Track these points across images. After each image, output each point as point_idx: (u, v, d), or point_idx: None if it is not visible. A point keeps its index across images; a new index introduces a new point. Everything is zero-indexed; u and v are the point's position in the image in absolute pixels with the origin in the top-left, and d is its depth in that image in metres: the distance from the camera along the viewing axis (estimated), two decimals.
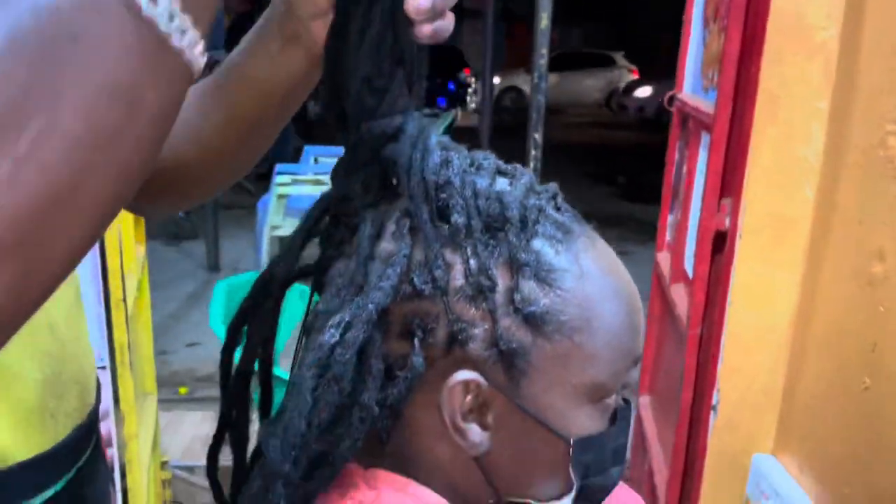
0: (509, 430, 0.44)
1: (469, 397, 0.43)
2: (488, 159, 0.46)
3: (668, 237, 1.66)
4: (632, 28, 15.56)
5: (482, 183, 0.44)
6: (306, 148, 3.37)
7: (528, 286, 0.42)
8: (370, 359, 0.41)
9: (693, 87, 1.49)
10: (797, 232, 1.04)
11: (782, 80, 1.01)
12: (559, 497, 0.46)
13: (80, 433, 0.54)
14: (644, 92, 11.37)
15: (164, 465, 1.90)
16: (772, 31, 1.00)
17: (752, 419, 1.14)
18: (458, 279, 0.42)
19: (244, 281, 1.75)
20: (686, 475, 1.25)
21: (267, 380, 0.48)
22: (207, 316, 3.31)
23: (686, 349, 1.20)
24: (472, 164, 0.45)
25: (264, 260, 2.76)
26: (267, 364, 0.48)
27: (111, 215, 0.31)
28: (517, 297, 0.42)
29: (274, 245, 2.80)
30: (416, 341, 0.42)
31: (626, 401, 0.47)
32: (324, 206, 0.46)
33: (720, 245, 1.14)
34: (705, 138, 1.30)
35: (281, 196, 2.74)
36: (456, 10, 0.46)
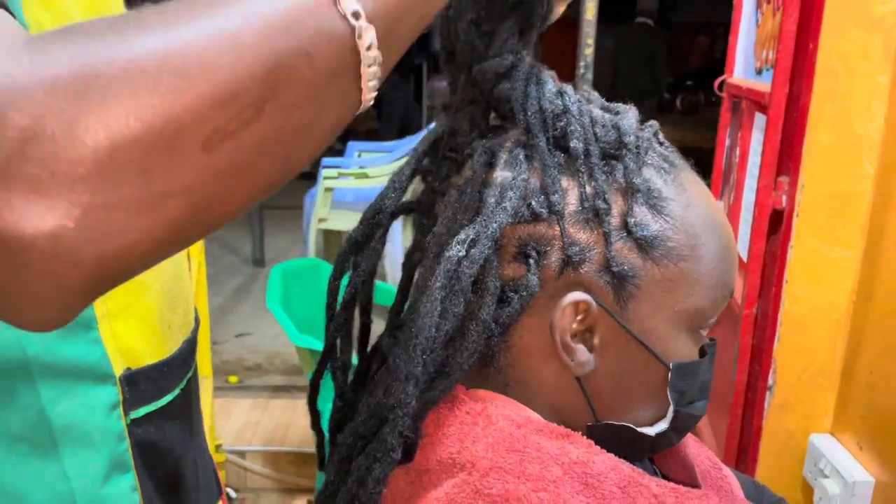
0: (614, 351, 0.45)
1: (578, 318, 0.44)
2: (594, 94, 0.48)
3: None
4: None
5: (597, 112, 0.46)
6: (349, 143, 3.43)
7: (641, 211, 0.44)
8: (487, 277, 0.43)
9: (744, 71, 1.49)
10: (857, 208, 1.03)
11: (841, 56, 1.00)
12: (653, 423, 0.47)
13: (187, 347, 0.58)
14: None
15: (217, 448, 1.95)
16: (830, 6, 0.99)
17: (810, 399, 1.13)
18: (573, 204, 0.44)
19: (298, 266, 1.80)
20: (740, 457, 1.25)
21: (367, 310, 0.51)
22: (255, 308, 3.40)
23: (740, 329, 1.20)
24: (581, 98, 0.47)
25: (311, 251, 2.81)
26: (368, 294, 0.50)
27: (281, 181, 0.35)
28: (631, 220, 0.43)
29: (320, 237, 2.85)
30: (531, 262, 0.44)
31: (712, 339, 0.49)
32: (429, 142, 0.48)
33: (775, 225, 1.14)
34: (759, 119, 1.30)
35: (327, 189, 2.79)
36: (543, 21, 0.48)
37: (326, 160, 2.93)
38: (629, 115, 0.46)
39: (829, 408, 1.12)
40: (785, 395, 1.14)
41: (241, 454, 2.18)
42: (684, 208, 0.45)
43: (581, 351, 0.45)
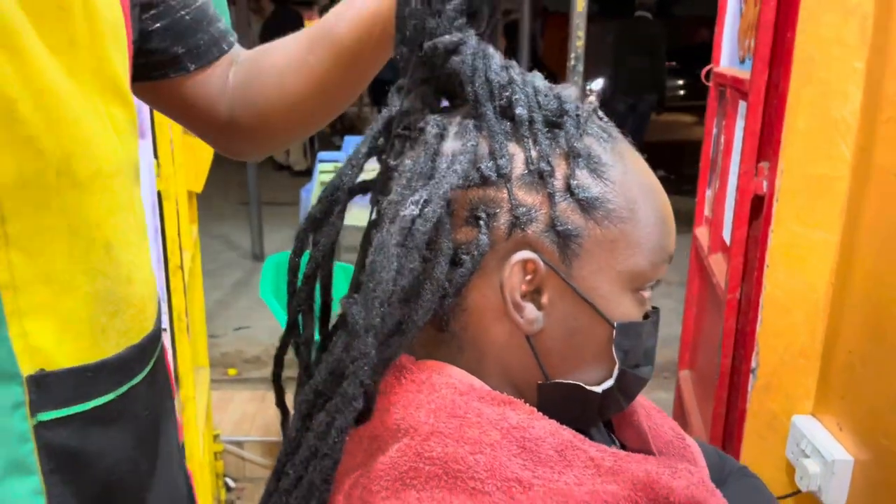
0: (561, 310, 0.48)
1: (527, 278, 0.47)
2: (537, 74, 0.50)
3: (706, 211, 1.67)
4: None
5: (540, 83, 0.48)
6: (346, 138, 3.46)
7: (583, 175, 0.46)
8: (441, 238, 0.46)
9: (729, 60, 1.51)
10: (835, 192, 1.05)
11: (818, 42, 1.02)
12: (601, 384, 0.49)
13: (131, 353, 0.56)
14: None
15: (215, 437, 1.97)
16: None
17: (792, 381, 1.15)
18: (519, 167, 0.46)
19: None
20: (726, 439, 1.27)
21: (328, 285, 0.52)
22: (254, 302, 3.42)
23: (724, 314, 1.22)
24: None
25: None
26: (328, 270, 0.52)
27: None
28: (573, 182, 0.46)
29: None
30: (481, 223, 0.46)
31: (655, 308, 0.51)
32: (384, 123, 0.50)
33: (757, 211, 1.16)
34: (742, 107, 1.32)
35: (323, 183, 2.81)
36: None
37: (322, 155, 2.95)
38: (570, 88, 0.49)
39: (810, 390, 1.14)
40: (768, 378, 1.16)
41: (240, 444, 2.21)
42: (622, 174, 0.48)
43: (530, 309, 0.47)
